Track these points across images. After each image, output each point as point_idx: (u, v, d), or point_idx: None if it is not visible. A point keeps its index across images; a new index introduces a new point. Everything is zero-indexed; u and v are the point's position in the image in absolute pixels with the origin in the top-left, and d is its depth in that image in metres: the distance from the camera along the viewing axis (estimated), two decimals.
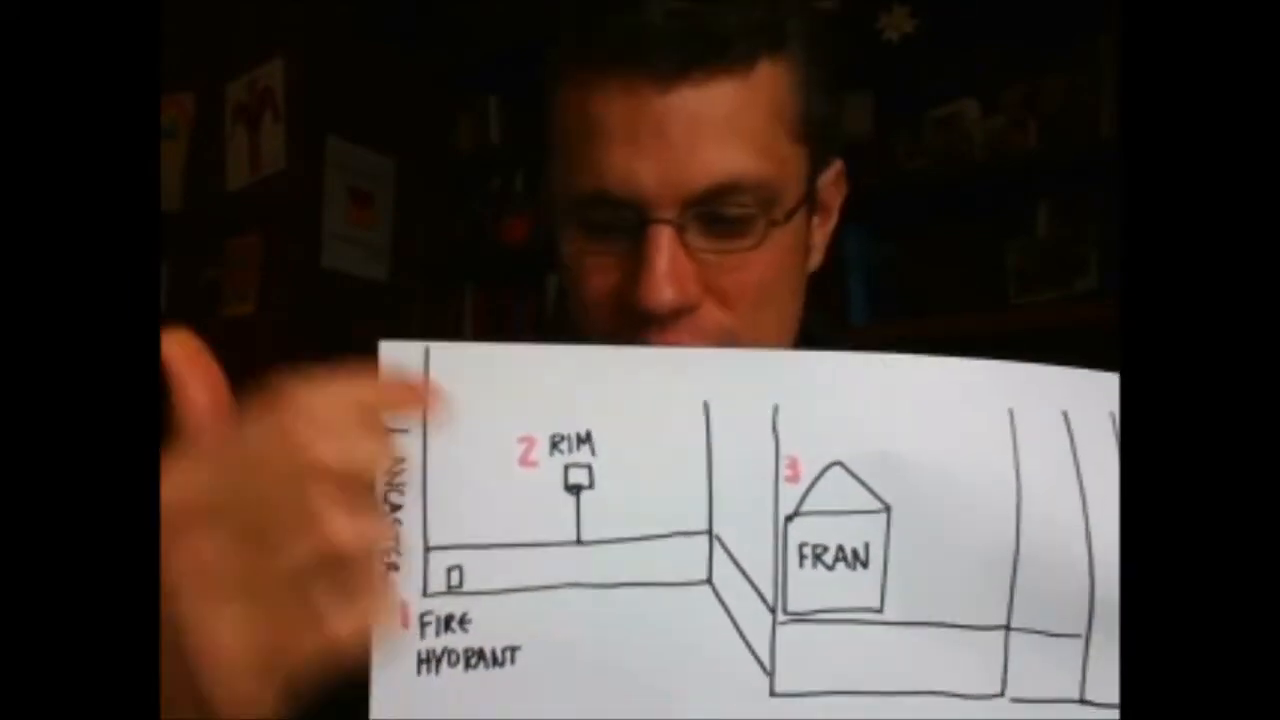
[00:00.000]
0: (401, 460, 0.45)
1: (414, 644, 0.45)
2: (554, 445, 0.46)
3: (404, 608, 0.45)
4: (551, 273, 2.71)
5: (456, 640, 0.45)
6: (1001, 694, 0.48)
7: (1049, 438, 0.48)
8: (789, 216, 0.60)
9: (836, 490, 0.47)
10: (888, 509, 0.47)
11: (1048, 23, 2.06)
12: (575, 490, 0.46)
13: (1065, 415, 0.49)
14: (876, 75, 2.18)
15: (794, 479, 0.47)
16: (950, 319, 2.09)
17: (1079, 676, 0.48)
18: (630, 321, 0.58)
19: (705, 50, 0.57)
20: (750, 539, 0.47)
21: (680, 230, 0.57)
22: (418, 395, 0.45)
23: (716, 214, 0.58)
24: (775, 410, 0.47)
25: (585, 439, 0.46)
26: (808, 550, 0.47)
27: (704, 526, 0.46)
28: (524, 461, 0.46)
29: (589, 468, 0.46)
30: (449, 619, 0.45)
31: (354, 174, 2.65)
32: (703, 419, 0.47)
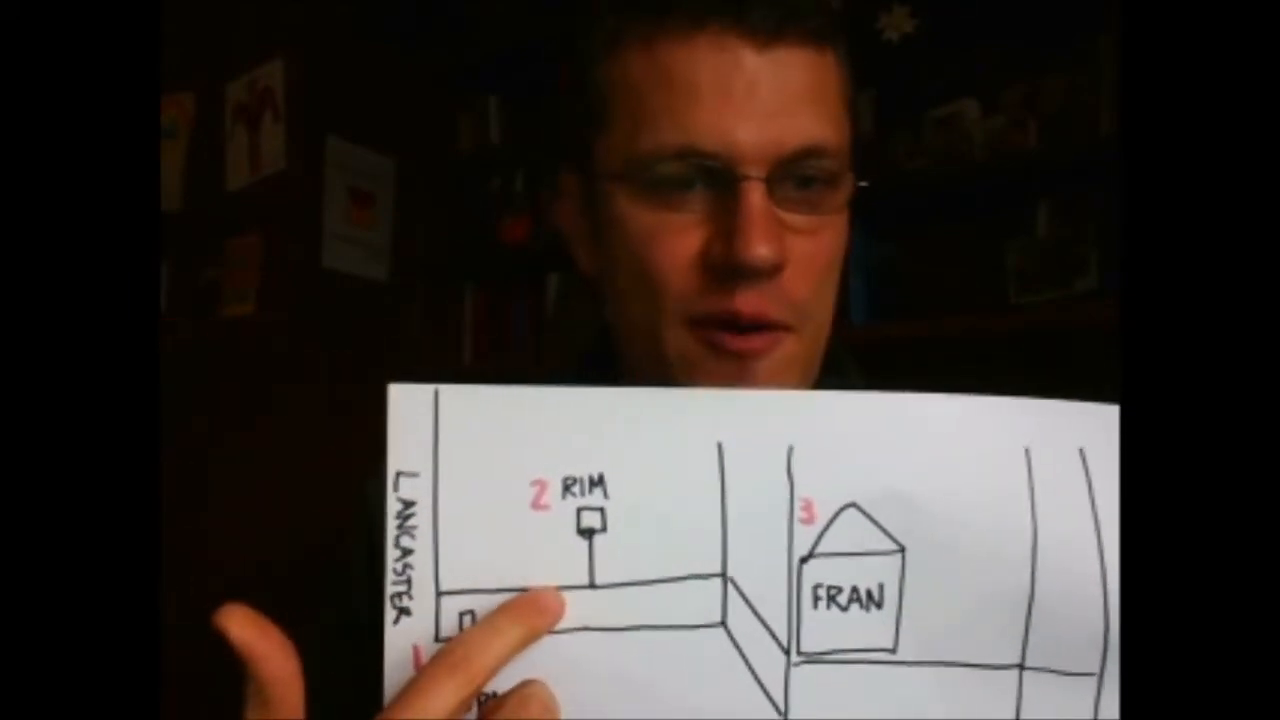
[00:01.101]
0: (413, 504, 0.45)
1: None
2: (566, 488, 0.46)
3: (416, 652, 0.45)
4: (552, 272, 2.71)
5: None
6: None
7: (1065, 476, 0.48)
8: (851, 193, 0.62)
9: (851, 532, 0.47)
10: (902, 550, 0.47)
11: (1048, 23, 2.06)
12: (588, 534, 0.46)
13: (1082, 452, 0.48)
14: (876, 75, 2.18)
15: (809, 520, 0.47)
16: (950, 319, 2.09)
17: (1092, 715, 0.48)
18: (718, 280, 0.58)
19: (799, 14, 0.58)
20: (764, 581, 0.46)
21: (771, 189, 0.58)
22: None
23: (804, 176, 0.59)
24: (790, 451, 0.47)
25: (598, 481, 0.46)
26: (822, 592, 0.47)
27: (718, 569, 0.46)
28: (536, 505, 0.46)
29: (602, 511, 0.46)
30: None
31: (354, 174, 2.64)
32: (716, 461, 0.47)
